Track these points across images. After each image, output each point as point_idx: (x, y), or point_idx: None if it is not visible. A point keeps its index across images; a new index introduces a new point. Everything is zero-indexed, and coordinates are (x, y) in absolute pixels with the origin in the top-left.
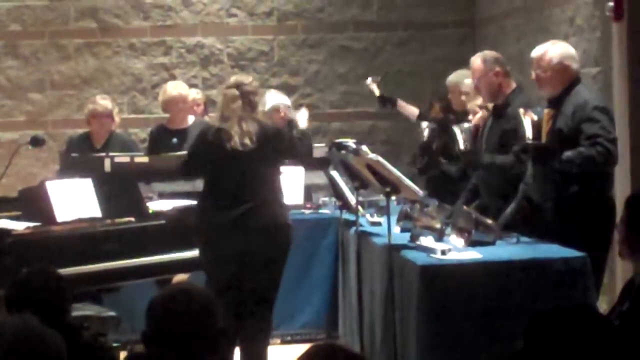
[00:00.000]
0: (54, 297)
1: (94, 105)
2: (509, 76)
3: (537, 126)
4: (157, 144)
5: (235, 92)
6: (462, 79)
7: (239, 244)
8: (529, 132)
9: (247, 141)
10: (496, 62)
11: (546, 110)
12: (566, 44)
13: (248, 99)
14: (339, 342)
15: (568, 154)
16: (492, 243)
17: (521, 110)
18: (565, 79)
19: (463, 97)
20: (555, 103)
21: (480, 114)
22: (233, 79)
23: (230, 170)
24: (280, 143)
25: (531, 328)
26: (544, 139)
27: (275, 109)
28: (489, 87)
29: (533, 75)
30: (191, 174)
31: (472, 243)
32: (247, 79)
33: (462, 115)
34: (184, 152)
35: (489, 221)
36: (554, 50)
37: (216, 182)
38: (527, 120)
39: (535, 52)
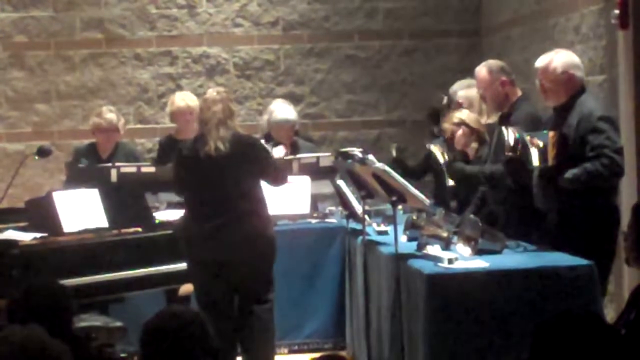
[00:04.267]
0: (57, 308)
1: (99, 119)
2: (514, 85)
3: (543, 153)
4: (165, 154)
5: (216, 96)
6: (465, 88)
7: (216, 255)
8: (535, 161)
9: (220, 146)
10: (502, 71)
11: (551, 134)
12: (570, 52)
13: (227, 105)
14: (345, 351)
15: (573, 171)
16: (499, 252)
17: (527, 138)
18: (570, 88)
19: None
20: (561, 112)
21: (460, 131)
22: (211, 89)
23: (206, 181)
24: (253, 153)
25: (538, 336)
26: (550, 162)
27: (280, 126)
28: (496, 97)
29: (538, 85)
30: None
31: (478, 252)
32: (223, 89)
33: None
34: None
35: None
36: (558, 59)
37: (194, 193)
38: (534, 150)
39: (540, 62)
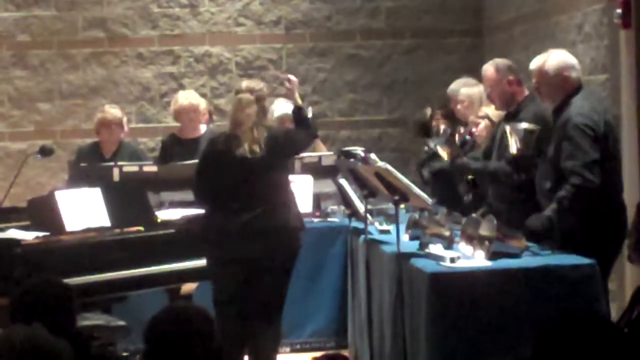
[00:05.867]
0: (60, 307)
1: (104, 113)
2: (521, 84)
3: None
4: (168, 153)
5: (250, 97)
6: (462, 86)
7: (246, 249)
8: (513, 148)
9: (255, 148)
10: (509, 70)
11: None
12: (565, 52)
13: (262, 105)
14: (347, 350)
15: (552, 207)
16: (519, 255)
17: (508, 129)
18: (565, 89)
19: (459, 106)
20: (556, 113)
21: (482, 124)
22: (245, 84)
23: (239, 176)
24: (286, 145)
25: (541, 336)
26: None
27: (282, 120)
28: (503, 96)
29: (533, 87)
30: (207, 195)
31: (494, 254)
32: (258, 84)
33: (463, 124)
34: (194, 162)
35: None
36: (551, 61)
37: (225, 188)
38: (512, 141)
39: (534, 64)
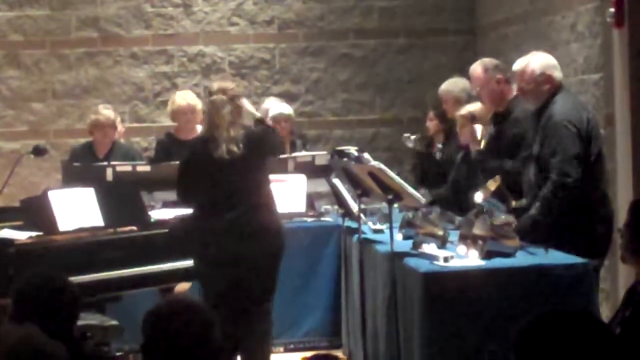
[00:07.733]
0: (66, 304)
1: (97, 115)
2: (510, 83)
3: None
4: (165, 152)
5: (223, 97)
6: (455, 87)
7: (230, 249)
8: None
9: (233, 148)
10: (497, 69)
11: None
12: (546, 54)
13: (235, 104)
14: (341, 350)
15: (536, 206)
16: (512, 255)
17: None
18: (549, 89)
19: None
20: (538, 112)
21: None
22: (216, 85)
23: (219, 178)
24: (264, 146)
25: (524, 335)
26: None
27: (276, 119)
28: (492, 95)
29: (517, 88)
30: (190, 200)
31: (488, 254)
32: (229, 84)
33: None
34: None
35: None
36: (535, 61)
37: (207, 190)
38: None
39: (517, 66)
